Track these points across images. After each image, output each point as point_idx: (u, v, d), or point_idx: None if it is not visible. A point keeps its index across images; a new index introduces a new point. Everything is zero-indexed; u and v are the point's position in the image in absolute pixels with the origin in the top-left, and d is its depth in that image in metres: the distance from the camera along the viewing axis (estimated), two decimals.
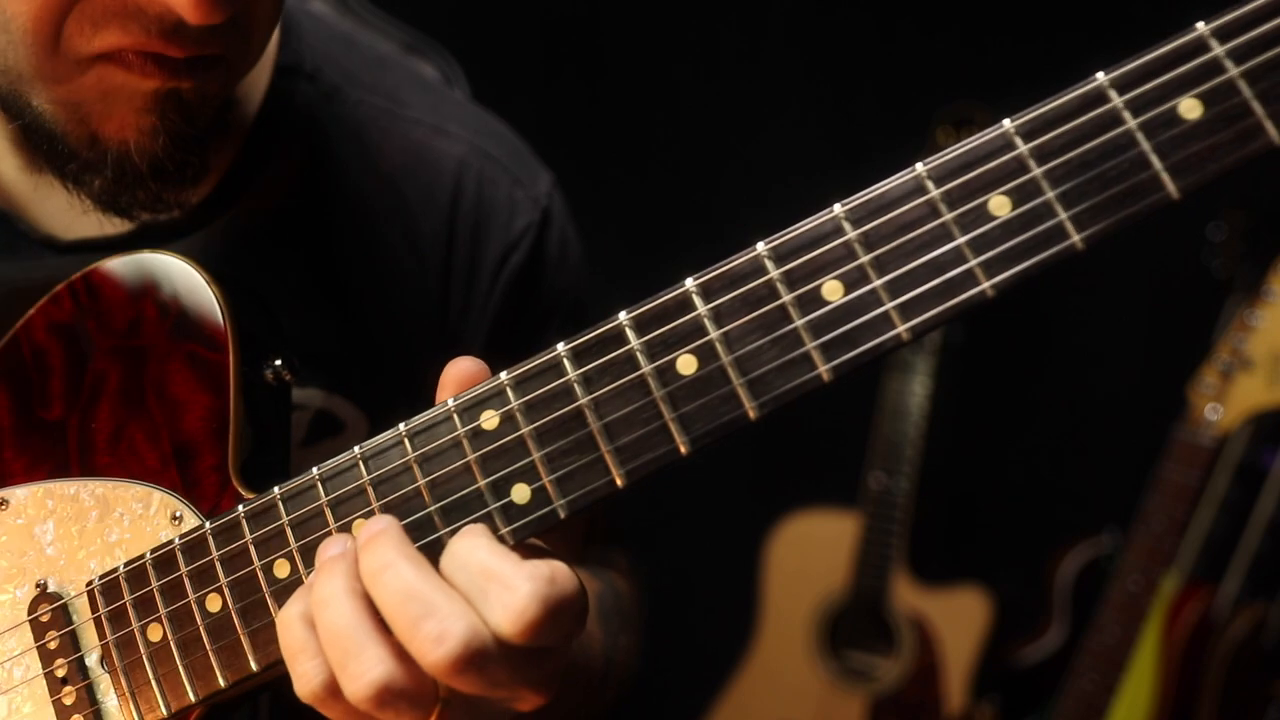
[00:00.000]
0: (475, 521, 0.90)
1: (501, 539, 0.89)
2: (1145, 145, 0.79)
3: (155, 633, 1.00)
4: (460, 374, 0.92)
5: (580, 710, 1.28)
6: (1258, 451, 2.84)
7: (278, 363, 1.08)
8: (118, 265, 1.10)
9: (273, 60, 1.29)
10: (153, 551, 1.01)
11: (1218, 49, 0.78)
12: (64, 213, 1.20)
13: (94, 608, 1.03)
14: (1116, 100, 0.79)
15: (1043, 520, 3.25)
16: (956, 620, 3.06)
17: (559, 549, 1.36)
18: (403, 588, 0.84)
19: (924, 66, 3.07)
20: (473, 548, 0.86)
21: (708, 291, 0.86)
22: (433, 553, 0.90)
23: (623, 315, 0.88)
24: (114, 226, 1.20)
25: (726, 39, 3.23)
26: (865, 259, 0.83)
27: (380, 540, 0.86)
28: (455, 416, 0.91)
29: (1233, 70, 0.77)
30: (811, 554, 3.17)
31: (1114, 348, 3.21)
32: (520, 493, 0.89)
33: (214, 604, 0.97)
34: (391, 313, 1.30)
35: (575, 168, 1.49)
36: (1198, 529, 2.79)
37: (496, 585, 0.83)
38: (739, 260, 0.86)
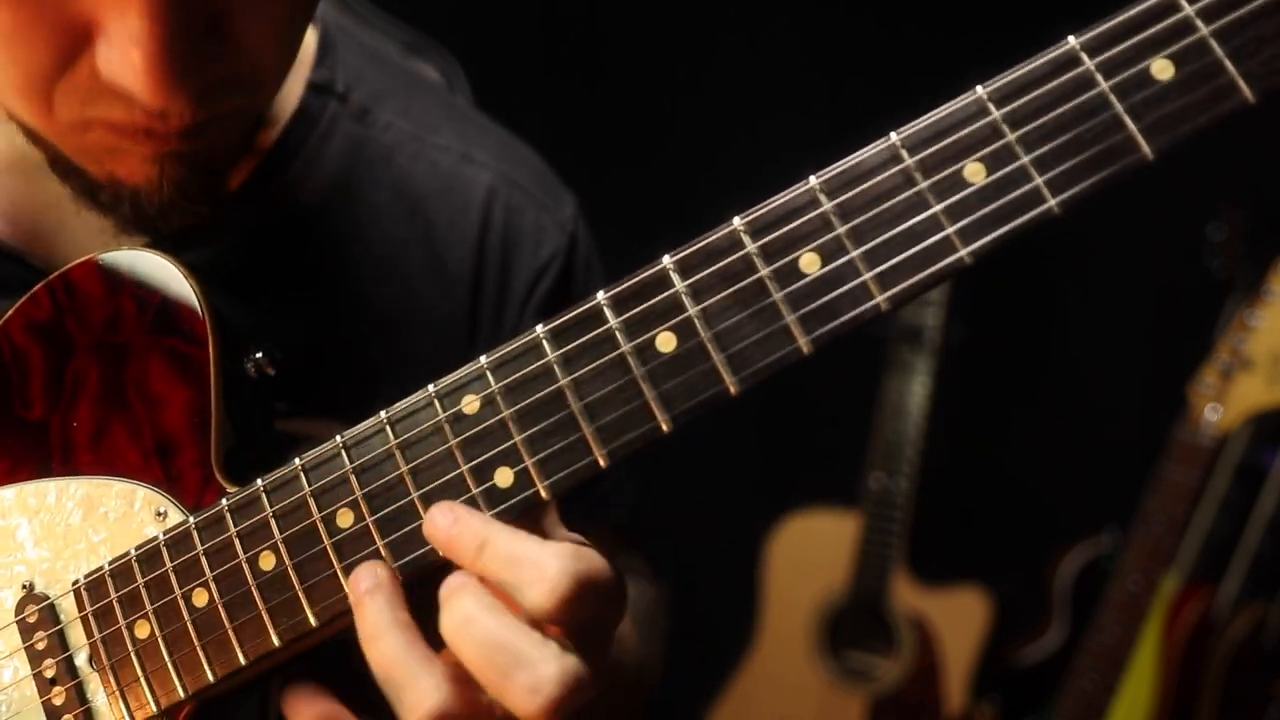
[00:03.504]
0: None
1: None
2: (1118, 107, 0.79)
3: (143, 629, 0.99)
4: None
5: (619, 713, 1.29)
6: (1258, 451, 2.84)
7: (258, 355, 1.08)
8: (95, 263, 1.09)
9: (306, 75, 1.28)
10: (137, 548, 1.01)
11: (1188, 9, 0.78)
12: (86, 233, 1.19)
13: (80, 607, 1.02)
14: (1088, 63, 0.80)
15: (1043, 520, 3.24)
16: (956, 620, 3.06)
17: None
18: (486, 638, 0.84)
19: (923, 57, 3.07)
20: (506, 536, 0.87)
21: (685, 267, 0.86)
22: (415, 539, 0.91)
23: (600, 294, 0.88)
24: (130, 243, 1.18)
25: (723, 28, 3.24)
26: (842, 230, 0.83)
27: (460, 594, 0.87)
28: (436, 402, 0.91)
29: (1203, 30, 0.77)
30: (811, 554, 3.16)
31: (1114, 347, 3.21)
32: (503, 476, 0.89)
33: (201, 598, 0.97)
34: (414, 343, 1.29)
35: (576, 160, 1.49)
36: (1198, 529, 2.79)
37: (527, 568, 0.84)
38: (715, 235, 0.86)
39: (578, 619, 0.85)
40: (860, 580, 3.09)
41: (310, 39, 1.30)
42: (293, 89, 1.27)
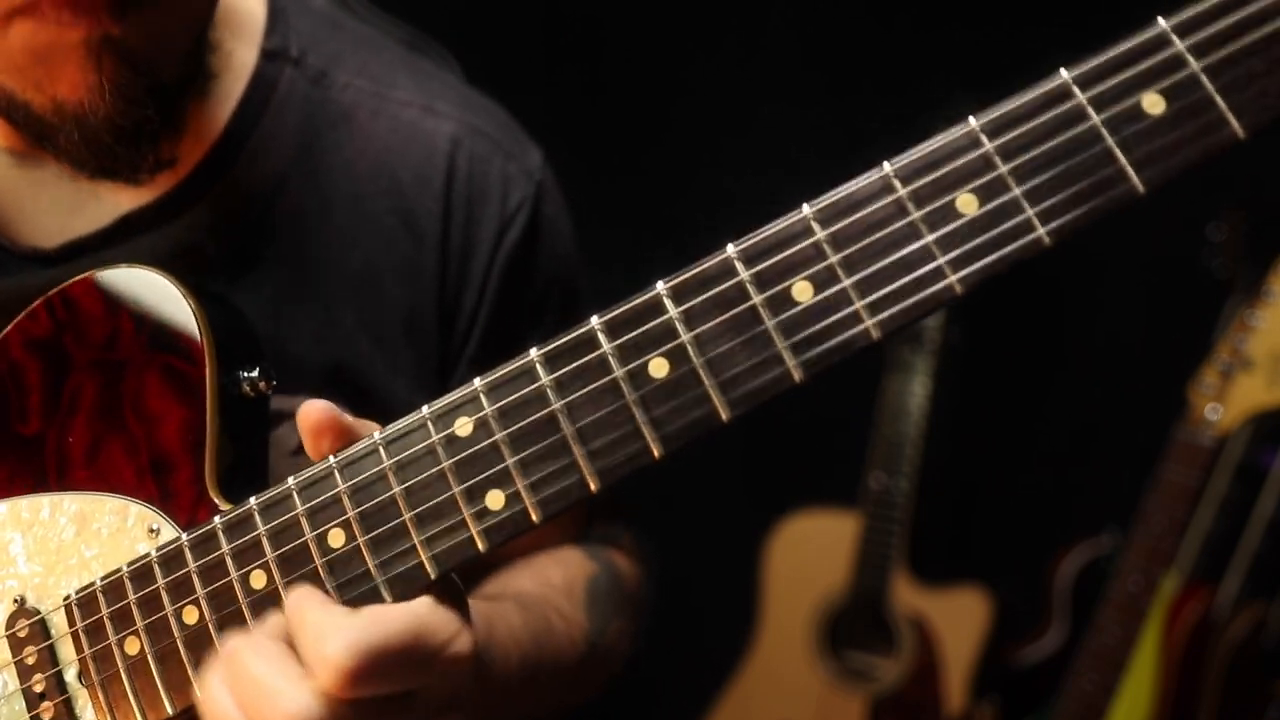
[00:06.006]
0: (448, 529, 0.91)
1: (475, 545, 0.90)
2: (1109, 140, 0.79)
3: (133, 646, 1.00)
4: (313, 423, 0.95)
5: (558, 696, 1.30)
6: (1258, 451, 2.82)
7: (254, 374, 1.08)
8: (94, 280, 1.09)
9: (258, 44, 1.28)
10: (129, 565, 1.01)
11: (1179, 44, 0.78)
12: (51, 214, 1.20)
13: (71, 622, 1.03)
14: (1080, 97, 0.80)
15: (1042, 520, 3.24)
16: (956, 620, 3.05)
17: (559, 531, 1.35)
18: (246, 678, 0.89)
19: (924, 62, 3.07)
20: (292, 611, 0.91)
21: (679, 294, 0.86)
22: (406, 559, 0.91)
23: (595, 319, 0.88)
24: (95, 222, 1.20)
25: (724, 34, 3.23)
26: (834, 259, 0.83)
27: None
28: (429, 424, 0.92)
29: (1194, 65, 0.77)
30: (811, 554, 3.16)
31: (1114, 348, 3.21)
32: (494, 499, 0.89)
33: (191, 616, 0.98)
34: (387, 300, 1.29)
35: (575, 164, 1.48)
36: (1198, 529, 2.77)
37: (309, 647, 0.88)
38: (709, 262, 0.86)
39: (372, 690, 0.87)
40: (860, 580, 3.09)
41: (259, 9, 1.30)
42: (245, 59, 1.27)
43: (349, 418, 0.96)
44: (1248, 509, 2.85)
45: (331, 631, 0.86)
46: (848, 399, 3.06)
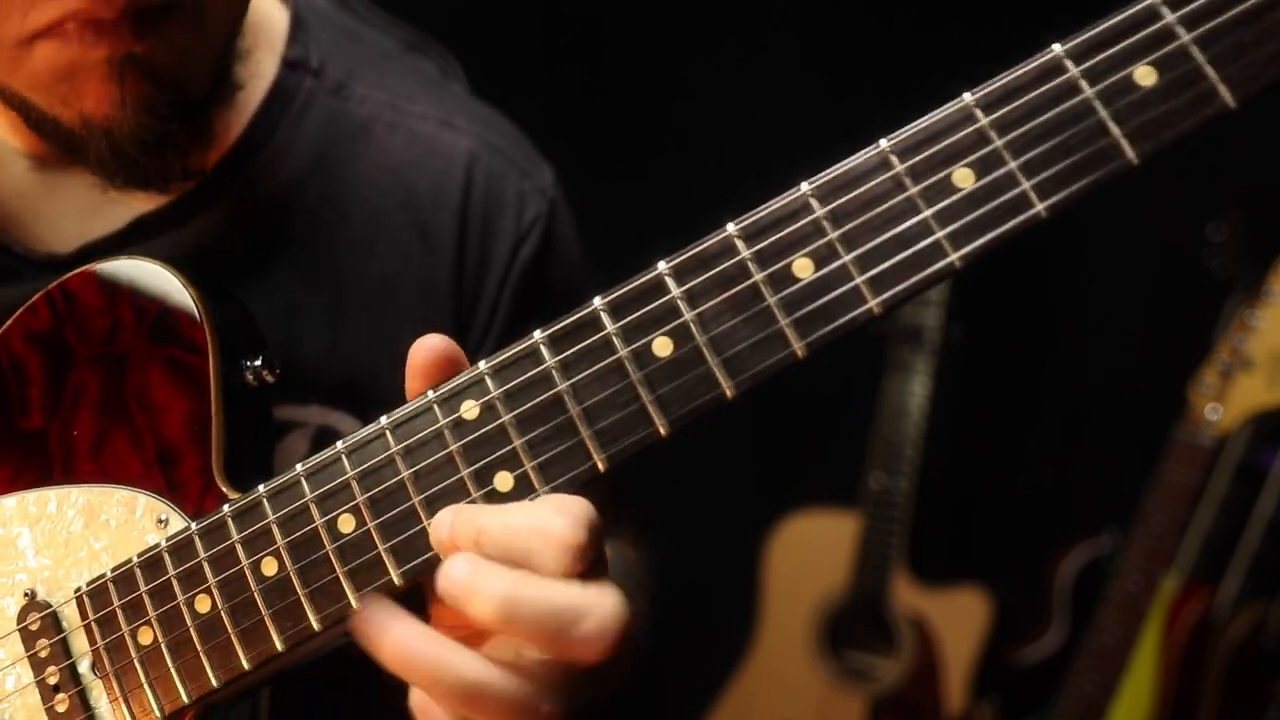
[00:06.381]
0: None
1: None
2: (1103, 113, 0.80)
3: (146, 636, 1.00)
4: (429, 353, 0.93)
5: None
6: (1258, 451, 2.82)
7: (258, 363, 1.08)
8: (93, 273, 1.10)
9: (279, 54, 1.29)
10: (140, 555, 1.01)
11: (1169, 16, 0.79)
12: (68, 218, 1.20)
13: (83, 614, 1.03)
14: (1073, 70, 0.81)
15: (1043, 520, 3.24)
16: (956, 620, 3.05)
17: None
18: (541, 605, 0.84)
19: (924, 62, 3.07)
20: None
21: (680, 273, 0.87)
22: (417, 543, 0.91)
23: (598, 300, 0.89)
24: (109, 225, 1.21)
25: (724, 35, 3.24)
26: (834, 235, 0.84)
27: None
28: (436, 408, 0.92)
29: (1185, 37, 0.79)
30: (811, 554, 3.16)
31: (1114, 348, 3.21)
32: (503, 480, 0.90)
33: (203, 604, 0.98)
34: (402, 312, 1.30)
35: (575, 163, 1.49)
36: (1198, 529, 2.77)
37: (531, 537, 0.84)
38: (710, 241, 0.87)
39: (589, 563, 0.85)
40: (860, 580, 3.09)
41: (282, 18, 1.31)
42: (266, 67, 1.28)
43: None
44: (1248, 509, 2.85)
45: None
46: (848, 399, 3.07)
